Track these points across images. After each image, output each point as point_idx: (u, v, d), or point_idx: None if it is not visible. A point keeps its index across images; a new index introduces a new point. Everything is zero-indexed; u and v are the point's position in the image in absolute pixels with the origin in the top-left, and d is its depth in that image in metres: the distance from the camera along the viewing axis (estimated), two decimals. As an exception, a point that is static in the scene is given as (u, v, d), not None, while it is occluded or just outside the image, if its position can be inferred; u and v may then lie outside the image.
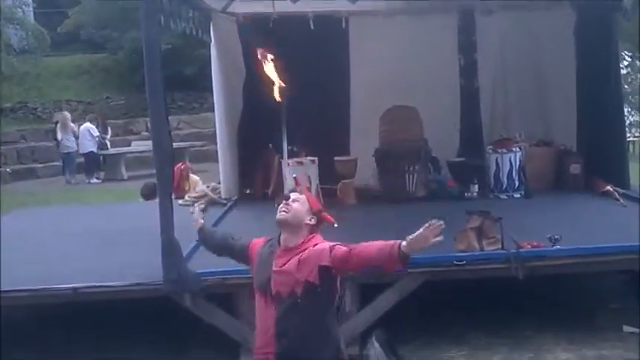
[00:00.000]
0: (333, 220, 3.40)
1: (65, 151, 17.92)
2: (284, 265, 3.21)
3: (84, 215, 9.52)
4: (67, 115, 18.52)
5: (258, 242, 3.48)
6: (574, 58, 8.98)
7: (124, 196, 13.93)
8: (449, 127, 9.29)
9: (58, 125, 18.06)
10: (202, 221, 3.85)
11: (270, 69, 4.22)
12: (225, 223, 7.93)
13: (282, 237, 3.31)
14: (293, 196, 3.34)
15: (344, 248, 3.20)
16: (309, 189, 8.01)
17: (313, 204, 3.34)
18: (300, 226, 3.26)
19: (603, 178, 8.18)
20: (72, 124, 17.93)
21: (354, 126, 9.41)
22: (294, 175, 3.37)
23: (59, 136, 18.02)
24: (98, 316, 6.64)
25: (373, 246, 3.15)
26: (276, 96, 4.01)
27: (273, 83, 4.25)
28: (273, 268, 3.23)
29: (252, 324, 5.51)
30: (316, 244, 3.24)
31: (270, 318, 3.23)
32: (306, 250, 3.21)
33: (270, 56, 4.32)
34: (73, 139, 17.81)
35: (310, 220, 3.29)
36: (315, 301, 3.18)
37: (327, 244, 3.22)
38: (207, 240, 3.87)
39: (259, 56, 4.42)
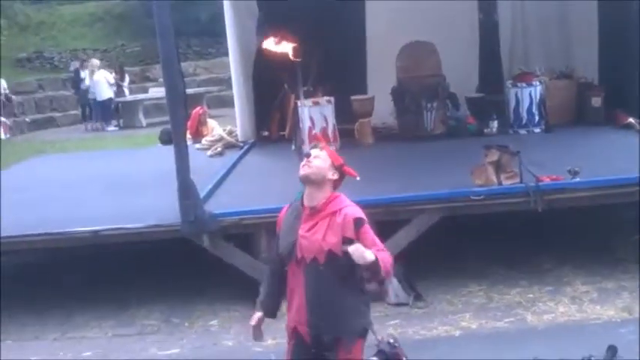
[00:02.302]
0: (355, 173, 3.40)
1: (92, 97, 18.01)
2: (311, 229, 3.23)
3: (103, 161, 9.56)
4: (96, 62, 18.43)
5: (281, 215, 3.46)
6: (596, -11, 8.71)
7: (143, 142, 13.99)
8: (467, 63, 9.11)
9: (87, 72, 18.07)
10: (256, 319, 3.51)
11: (278, 47, 4.06)
12: (243, 165, 7.95)
13: (305, 194, 3.31)
14: (314, 152, 3.34)
15: (370, 240, 3.20)
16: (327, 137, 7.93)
17: (335, 159, 3.35)
18: (323, 181, 3.27)
19: (625, 110, 8.00)
20: (98, 71, 17.82)
21: (370, 64, 9.25)
22: (314, 132, 3.23)
23: (88, 82, 18.05)
24: (118, 259, 6.75)
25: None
26: (292, 57, 3.90)
27: (285, 53, 4.11)
28: (300, 232, 3.25)
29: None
30: (342, 208, 3.25)
31: (299, 284, 3.27)
32: (334, 215, 3.22)
33: (273, 40, 4.12)
34: (96, 86, 17.83)
35: (333, 175, 3.31)
36: (337, 270, 3.20)
37: (352, 216, 3.21)
38: (278, 299, 3.54)
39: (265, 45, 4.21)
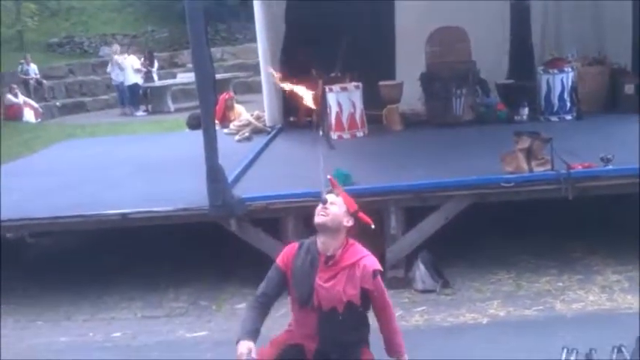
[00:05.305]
0: (370, 220, 3.42)
1: (115, 84, 18.33)
2: (329, 280, 3.27)
3: (132, 145, 9.65)
4: (116, 48, 18.66)
5: (289, 254, 3.40)
6: (630, -27, 8.53)
7: (171, 127, 14.08)
8: (498, 48, 9.01)
9: (112, 58, 18.37)
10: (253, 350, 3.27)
11: (301, 91, 3.97)
12: (270, 150, 7.97)
13: (320, 241, 3.31)
14: (330, 198, 3.32)
15: (380, 291, 3.34)
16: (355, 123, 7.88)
17: (350, 205, 3.35)
18: (338, 229, 3.29)
19: (659, 97, 7.85)
20: (117, 57, 18.09)
21: (399, 49, 9.20)
22: (328, 177, 3.13)
23: (109, 68, 18.37)
24: (147, 242, 6.81)
25: (392, 331, 3.43)
26: (312, 105, 3.90)
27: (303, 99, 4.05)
28: (317, 282, 3.27)
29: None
30: (360, 260, 3.30)
31: (312, 322, 3.34)
32: (353, 268, 3.28)
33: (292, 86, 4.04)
34: (119, 71, 18.04)
35: (348, 222, 3.32)
36: (354, 316, 3.32)
37: (371, 267, 3.29)
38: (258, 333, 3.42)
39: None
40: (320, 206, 3.30)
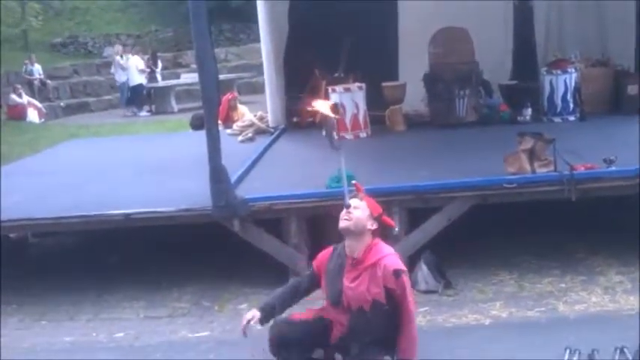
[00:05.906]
0: (393, 224, 3.60)
1: (117, 84, 18.43)
2: (354, 280, 3.37)
3: (135, 145, 9.66)
4: (117, 48, 18.75)
5: (323, 257, 3.56)
6: (634, -27, 8.53)
7: (174, 128, 14.11)
8: (501, 49, 9.01)
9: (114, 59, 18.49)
10: (256, 318, 3.51)
11: (320, 105, 4.08)
12: (273, 151, 7.97)
13: (346, 244, 3.43)
14: (354, 203, 3.41)
15: (404, 293, 3.38)
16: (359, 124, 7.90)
17: (374, 209, 3.44)
18: (362, 232, 3.38)
19: (662, 98, 7.84)
20: (118, 57, 18.15)
21: (402, 50, 9.20)
22: (353, 182, 3.15)
23: (112, 69, 18.48)
24: (150, 242, 6.82)
25: (408, 332, 3.45)
26: (333, 115, 4.00)
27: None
28: (345, 283, 3.39)
29: (299, 248, 5.64)
30: (381, 259, 3.37)
31: (344, 322, 3.46)
32: (375, 267, 3.35)
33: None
34: (121, 72, 18.09)
35: (372, 226, 3.41)
36: (381, 315, 3.39)
37: (391, 267, 3.34)
38: (277, 312, 3.63)
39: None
40: (344, 210, 3.39)
